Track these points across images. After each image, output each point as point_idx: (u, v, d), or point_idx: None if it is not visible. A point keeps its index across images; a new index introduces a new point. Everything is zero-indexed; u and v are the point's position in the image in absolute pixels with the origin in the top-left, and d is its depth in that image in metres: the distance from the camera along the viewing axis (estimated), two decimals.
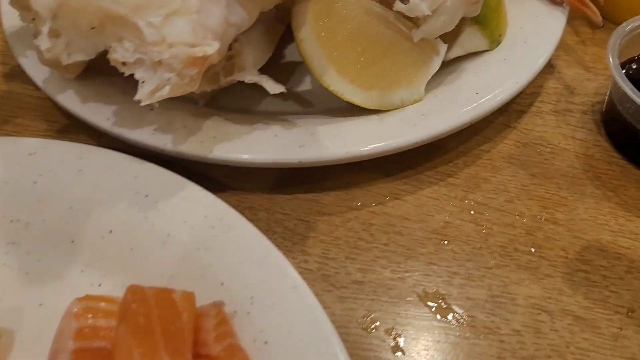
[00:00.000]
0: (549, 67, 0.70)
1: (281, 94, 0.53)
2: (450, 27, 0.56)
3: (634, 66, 0.62)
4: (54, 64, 0.57)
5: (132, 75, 0.47)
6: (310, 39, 0.53)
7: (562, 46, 0.73)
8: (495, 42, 0.63)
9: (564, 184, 0.58)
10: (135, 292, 0.42)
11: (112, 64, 0.47)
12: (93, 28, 0.45)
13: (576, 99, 0.66)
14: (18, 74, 0.68)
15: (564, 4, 0.66)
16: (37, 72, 0.60)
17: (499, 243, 0.54)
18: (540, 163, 0.60)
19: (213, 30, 0.46)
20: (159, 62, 0.46)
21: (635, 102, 0.54)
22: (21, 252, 0.50)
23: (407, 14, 0.52)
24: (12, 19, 0.65)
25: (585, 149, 0.61)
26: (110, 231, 0.49)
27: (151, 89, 0.46)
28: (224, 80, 0.54)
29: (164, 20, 0.45)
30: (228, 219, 0.49)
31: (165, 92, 0.45)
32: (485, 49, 0.63)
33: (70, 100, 0.57)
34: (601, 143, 0.62)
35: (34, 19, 0.54)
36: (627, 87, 0.55)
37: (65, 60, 0.50)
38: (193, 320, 0.42)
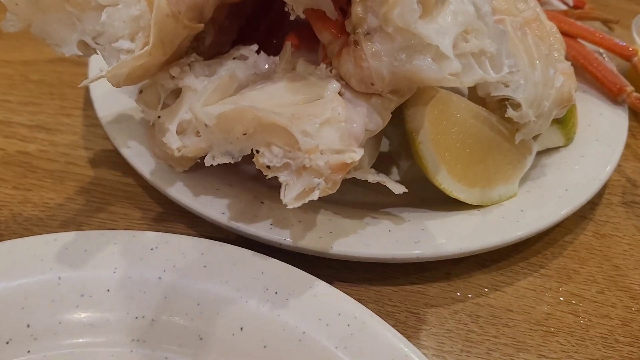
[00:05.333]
0: None
1: (378, 185, 0.55)
2: (545, 129, 0.61)
3: None
4: (167, 158, 0.58)
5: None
6: (426, 142, 0.56)
7: None
8: (570, 139, 0.68)
9: None
10: None
11: (257, 166, 0.48)
12: (244, 134, 0.47)
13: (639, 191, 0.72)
14: (104, 160, 0.69)
15: (624, 104, 0.72)
16: (143, 164, 0.61)
17: (600, 334, 0.57)
18: (620, 254, 0.64)
19: (357, 138, 0.49)
20: (304, 167, 0.48)
21: None
22: (146, 350, 0.50)
23: (517, 120, 0.56)
24: (106, 109, 0.66)
25: None
26: (242, 328, 0.50)
27: (297, 193, 0.48)
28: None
29: (318, 129, 0.47)
30: (362, 316, 0.50)
31: (315, 196, 0.47)
32: (560, 145, 0.68)
33: (181, 193, 0.58)
34: None
35: (159, 117, 0.55)
36: None
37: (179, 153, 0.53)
38: None
